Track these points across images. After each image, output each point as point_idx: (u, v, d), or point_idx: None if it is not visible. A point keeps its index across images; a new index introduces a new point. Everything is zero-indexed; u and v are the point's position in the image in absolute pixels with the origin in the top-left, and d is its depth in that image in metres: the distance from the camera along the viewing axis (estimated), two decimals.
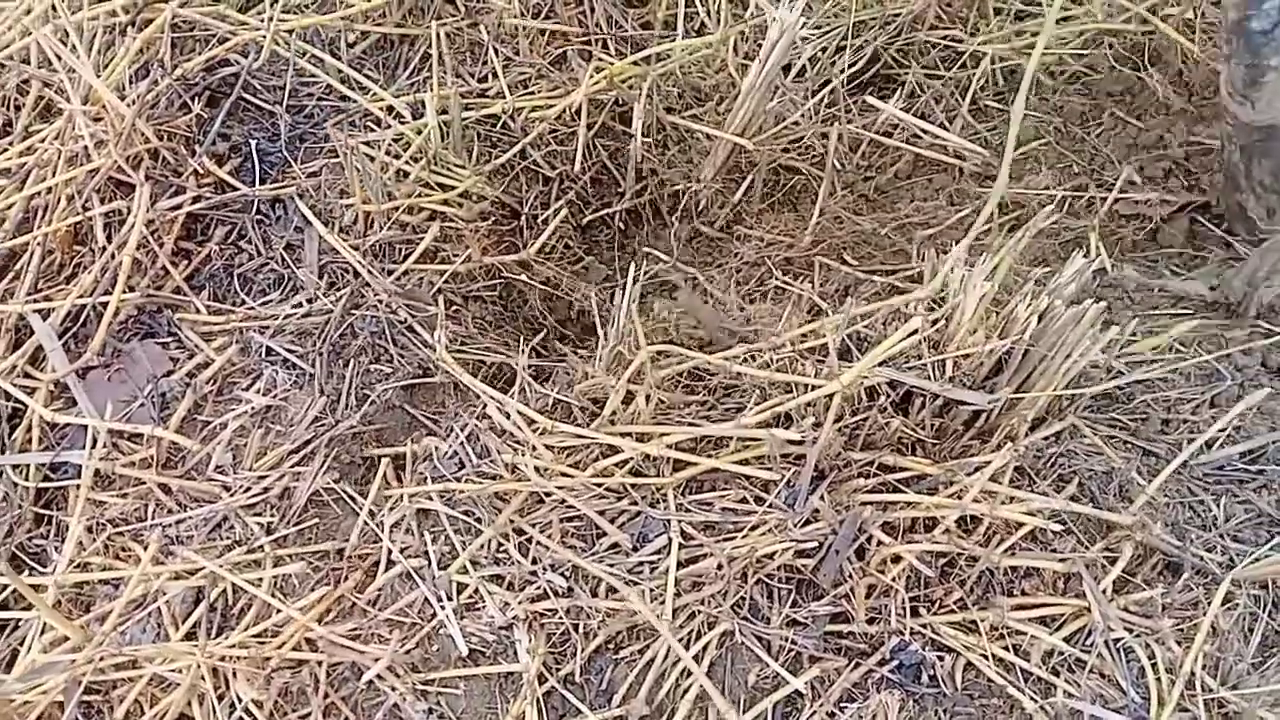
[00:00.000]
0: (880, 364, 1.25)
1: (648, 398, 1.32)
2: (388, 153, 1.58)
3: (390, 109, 1.65)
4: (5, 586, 1.36)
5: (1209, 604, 1.29)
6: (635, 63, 1.70)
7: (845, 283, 1.61)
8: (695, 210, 1.81)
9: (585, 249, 1.82)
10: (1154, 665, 1.23)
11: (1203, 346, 1.64)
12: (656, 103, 1.72)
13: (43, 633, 1.30)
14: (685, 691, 1.18)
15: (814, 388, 1.27)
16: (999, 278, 1.30)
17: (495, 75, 1.70)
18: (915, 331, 1.22)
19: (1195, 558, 1.35)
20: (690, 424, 1.32)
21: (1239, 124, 1.55)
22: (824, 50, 1.88)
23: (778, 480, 1.28)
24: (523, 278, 1.63)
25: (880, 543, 1.26)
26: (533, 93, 1.70)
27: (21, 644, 1.33)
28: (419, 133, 1.59)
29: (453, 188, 1.60)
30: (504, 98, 1.66)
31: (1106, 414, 1.55)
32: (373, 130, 1.63)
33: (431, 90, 1.62)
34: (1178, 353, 1.63)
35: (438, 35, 1.66)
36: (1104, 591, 1.26)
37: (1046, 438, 1.37)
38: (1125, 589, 1.30)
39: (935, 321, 1.29)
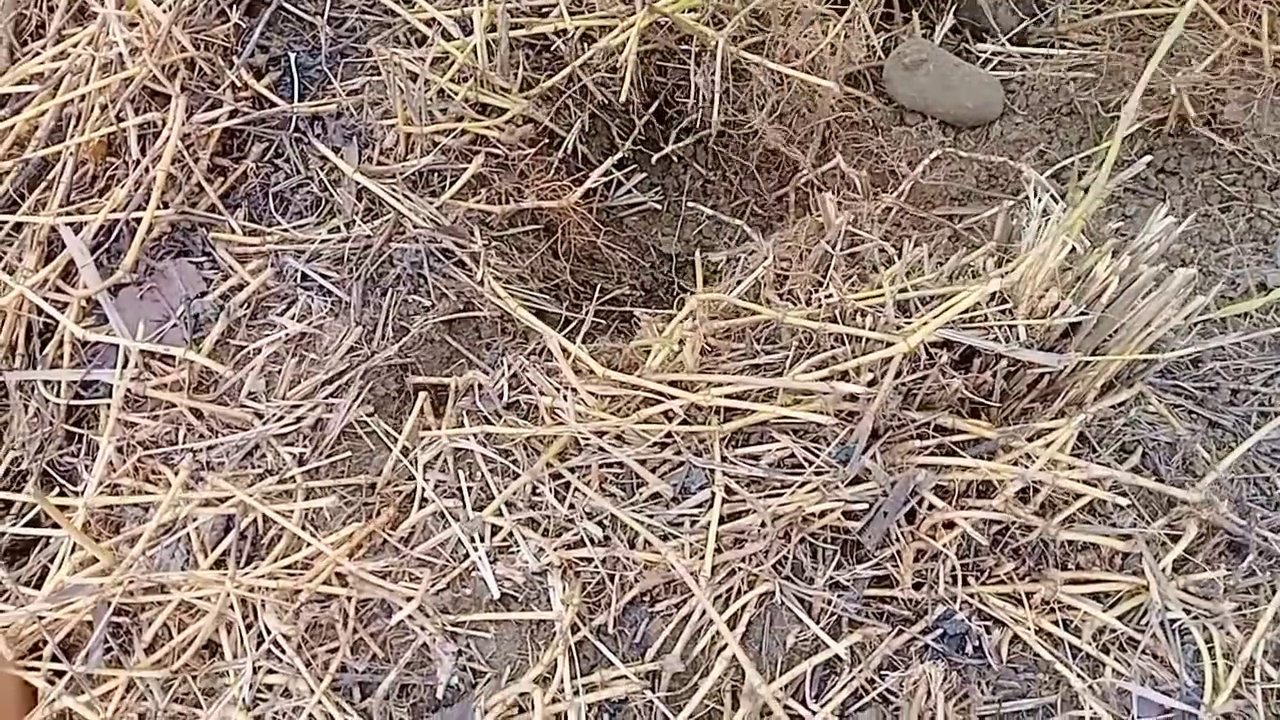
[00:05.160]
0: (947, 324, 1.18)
1: (694, 346, 1.26)
2: (432, 70, 1.50)
3: (435, 23, 1.56)
4: (36, 503, 1.35)
5: (1273, 589, 1.24)
6: None
7: (908, 229, 1.53)
8: (745, 144, 1.73)
9: (637, 184, 1.75)
10: (1211, 649, 1.18)
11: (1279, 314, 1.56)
12: (704, 19, 1.61)
13: (73, 551, 1.29)
14: (722, 649, 1.15)
15: (873, 342, 1.20)
16: (1075, 232, 1.21)
17: None
18: (993, 296, 1.14)
19: (1259, 538, 1.29)
20: (739, 373, 1.26)
21: None
22: None
23: (829, 436, 1.22)
24: (567, 218, 1.56)
25: (932, 507, 1.21)
26: (585, 13, 1.60)
27: (52, 561, 1.32)
28: (463, 50, 1.51)
29: (499, 111, 1.53)
30: (561, 18, 1.57)
31: (1172, 380, 1.48)
32: (417, 47, 1.55)
33: (480, 5, 1.53)
34: (1254, 320, 1.55)
35: None
36: (1164, 570, 1.21)
37: (1113, 406, 1.30)
38: (1185, 568, 1.25)
39: (1005, 275, 1.22)
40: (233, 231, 1.44)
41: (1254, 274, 1.58)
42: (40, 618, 1.24)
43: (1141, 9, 1.75)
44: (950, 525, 1.20)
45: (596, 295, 1.58)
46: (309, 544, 1.23)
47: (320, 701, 1.16)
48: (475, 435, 1.28)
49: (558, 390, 1.30)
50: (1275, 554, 1.27)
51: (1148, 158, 1.32)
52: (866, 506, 1.19)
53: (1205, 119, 1.65)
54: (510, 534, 1.22)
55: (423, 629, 1.19)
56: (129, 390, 1.34)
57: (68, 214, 1.44)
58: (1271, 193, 1.64)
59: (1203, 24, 1.70)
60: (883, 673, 1.16)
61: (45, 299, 1.40)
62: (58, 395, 1.38)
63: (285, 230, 1.44)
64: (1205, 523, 1.26)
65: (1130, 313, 1.20)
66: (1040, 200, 1.29)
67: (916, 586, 1.20)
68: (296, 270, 1.41)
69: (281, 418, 1.31)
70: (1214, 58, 1.63)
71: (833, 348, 1.25)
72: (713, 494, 1.21)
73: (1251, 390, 1.49)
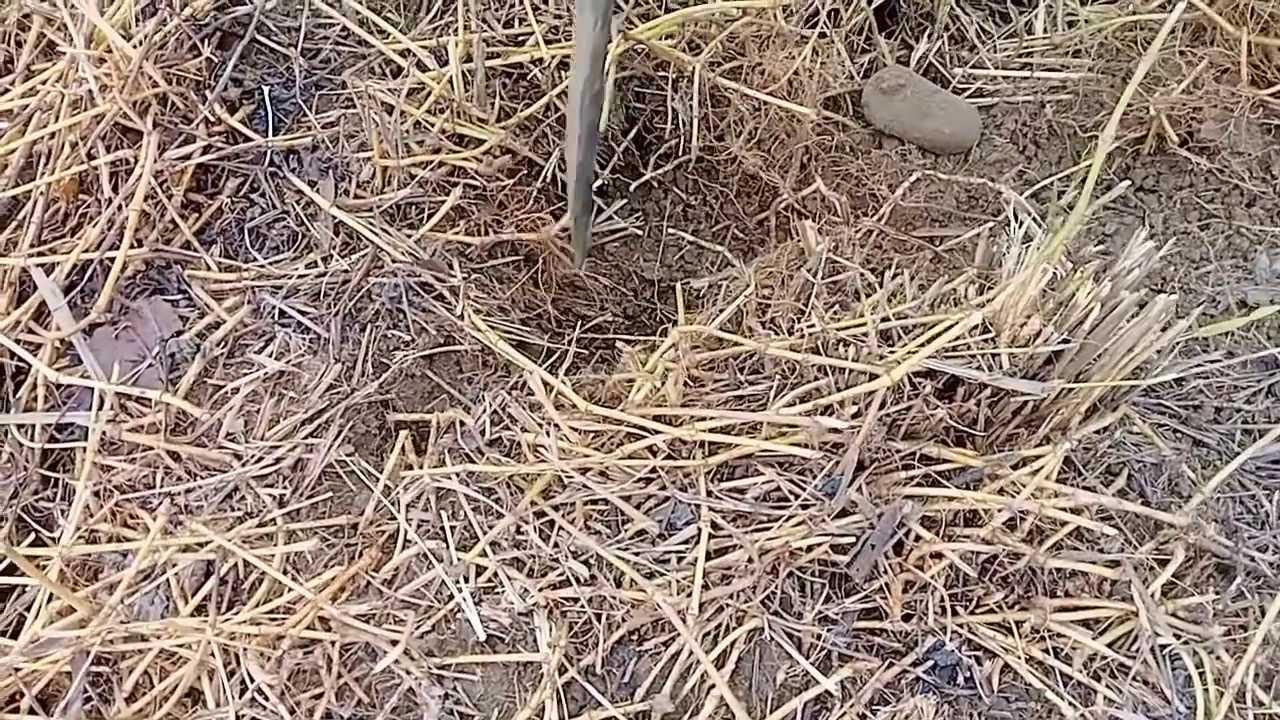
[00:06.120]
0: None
1: (676, 379, 1.25)
2: (408, 102, 1.49)
3: (410, 54, 1.55)
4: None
5: (1262, 611, 1.24)
6: (669, 9, 1.60)
7: (889, 252, 1.53)
8: (726, 169, 1.72)
9: (617, 210, 1.74)
10: (1202, 675, 1.18)
11: (1262, 332, 1.56)
12: (681, 45, 1.61)
13: (50, 600, 1.27)
14: (711, 688, 1.13)
15: (857, 373, 1.19)
16: (1056, 257, 1.21)
17: (523, 21, 1.59)
18: (975, 327, 1.14)
19: (1247, 559, 1.29)
20: (723, 406, 1.25)
21: None
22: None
23: (814, 468, 1.21)
24: (547, 247, 1.55)
25: (919, 538, 1.20)
26: (561, 40, 1.60)
27: (29, 609, 1.29)
28: (439, 81, 1.49)
29: (476, 142, 1.51)
30: (537, 46, 1.56)
31: (1156, 399, 1.48)
32: (392, 78, 1.54)
33: (456, 35, 1.52)
34: (1235, 338, 1.55)
35: None
36: (1152, 595, 1.20)
37: (1098, 430, 1.29)
38: (1174, 592, 1.25)
39: (986, 305, 1.21)
40: (208, 268, 1.42)
41: (1234, 291, 1.58)
42: (17, 669, 1.22)
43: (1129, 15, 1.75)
44: (938, 556, 1.19)
45: (578, 324, 1.57)
46: (290, 588, 1.21)
47: None
48: (458, 474, 1.27)
49: (540, 426, 1.29)
50: (1263, 574, 1.28)
51: (1127, 182, 1.32)
52: (854, 539, 1.18)
53: (1182, 138, 1.66)
54: (495, 574, 1.21)
55: (408, 673, 1.17)
56: (105, 433, 1.32)
57: (39, 254, 1.42)
58: (1249, 210, 1.65)
59: (1180, 41, 1.71)
60: (874, 707, 1.15)
61: (17, 341, 1.38)
62: (32, 439, 1.35)
63: (262, 266, 1.43)
64: (1193, 546, 1.26)
65: (1113, 338, 1.20)
66: (1021, 225, 1.29)
67: (906, 618, 1.19)
68: (274, 307, 1.39)
69: (261, 459, 1.29)
70: (1192, 78, 1.64)
71: (816, 378, 1.24)
72: (699, 529, 1.19)
73: (1235, 408, 1.49)
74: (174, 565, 1.25)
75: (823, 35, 1.69)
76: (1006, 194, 1.45)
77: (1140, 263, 1.22)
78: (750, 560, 1.17)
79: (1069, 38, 1.80)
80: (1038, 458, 1.23)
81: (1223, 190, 1.66)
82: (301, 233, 1.45)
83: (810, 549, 1.18)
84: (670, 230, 1.75)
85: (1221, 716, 1.15)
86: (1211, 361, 1.50)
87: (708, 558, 1.18)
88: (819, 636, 1.16)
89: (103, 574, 1.28)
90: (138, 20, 1.48)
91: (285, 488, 1.28)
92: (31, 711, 1.22)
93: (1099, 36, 1.77)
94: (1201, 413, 1.49)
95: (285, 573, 1.22)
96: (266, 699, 1.18)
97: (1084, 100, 1.71)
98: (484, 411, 1.32)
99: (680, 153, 1.68)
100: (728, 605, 1.17)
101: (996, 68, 1.79)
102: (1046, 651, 1.19)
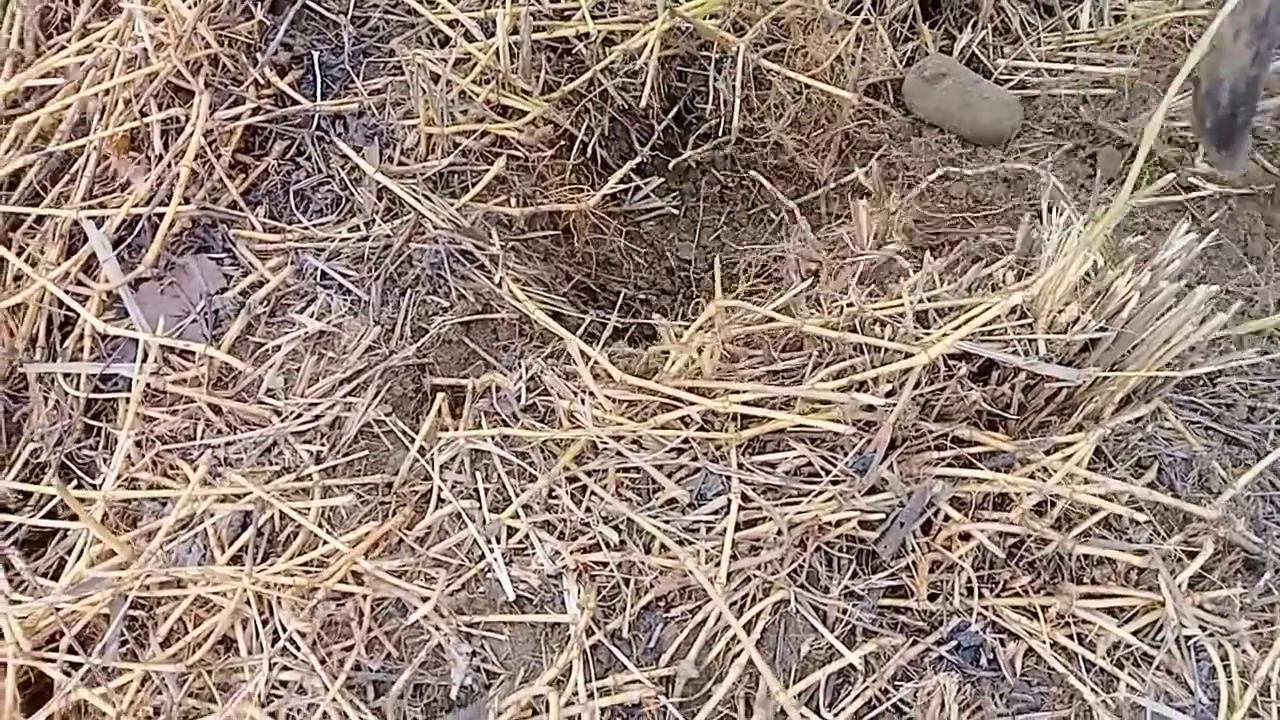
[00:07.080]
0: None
1: (712, 352, 1.26)
2: (454, 71, 1.51)
3: (458, 24, 1.57)
4: (54, 494, 1.36)
5: None
6: None
7: (929, 237, 1.53)
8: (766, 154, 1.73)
9: (655, 189, 1.75)
10: (1226, 667, 1.18)
11: None
12: (725, 25, 1.61)
13: (91, 545, 1.30)
14: (736, 656, 1.15)
15: (892, 352, 1.20)
16: (1097, 244, 1.21)
17: None
18: (1013, 309, 1.14)
19: (1276, 556, 1.29)
20: (758, 381, 1.26)
21: None
22: None
23: (846, 445, 1.22)
24: (585, 222, 1.56)
25: (948, 518, 1.21)
26: (607, 17, 1.61)
27: (69, 553, 1.32)
28: (485, 52, 1.51)
29: (519, 113, 1.53)
30: (583, 21, 1.57)
31: (1189, 396, 1.48)
32: (440, 47, 1.56)
33: (503, 7, 1.53)
34: (1272, 338, 1.55)
35: None
36: (1180, 586, 1.21)
37: (1130, 421, 1.30)
38: (1201, 585, 1.24)
39: (1025, 289, 1.22)
40: (253, 228, 1.45)
41: (1273, 291, 1.57)
42: (57, 609, 1.25)
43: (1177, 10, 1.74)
44: (966, 537, 1.20)
45: (614, 299, 1.58)
46: (325, 542, 1.23)
47: (335, 699, 1.16)
48: (493, 437, 1.29)
49: (575, 394, 1.30)
50: None
51: (1170, 175, 1.32)
52: (883, 517, 1.19)
53: None
54: (526, 536, 1.22)
55: (437, 629, 1.19)
56: (148, 385, 1.35)
57: (90, 208, 1.44)
58: None
59: None
60: (897, 683, 1.16)
61: (67, 292, 1.40)
62: (77, 388, 1.39)
63: (306, 228, 1.45)
64: (1222, 540, 1.26)
65: (1150, 329, 1.20)
66: (1061, 212, 1.29)
67: (932, 598, 1.20)
68: (316, 268, 1.41)
69: (300, 415, 1.32)
70: None
71: (852, 356, 1.25)
72: (729, 501, 1.21)
73: (1269, 408, 1.49)
74: (212, 515, 1.28)
75: (866, 22, 1.70)
76: (1045, 176, 1.45)
77: (1180, 254, 1.22)
78: (779, 533, 1.18)
79: (1115, 33, 1.79)
80: (1069, 445, 1.23)
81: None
82: (345, 197, 1.47)
83: (839, 524, 1.19)
84: (706, 211, 1.76)
85: (1245, 709, 1.15)
86: (1247, 362, 1.50)
87: (737, 529, 1.19)
88: (844, 611, 1.17)
89: (142, 521, 1.31)
90: None
91: (323, 445, 1.31)
92: (71, 650, 1.25)
93: (1145, 32, 1.77)
94: (1234, 411, 1.48)
95: (321, 526, 1.24)
96: (298, 649, 1.20)
97: (1128, 96, 1.71)
98: (520, 378, 1.33)
99: (720, 133, 1.69)
100: (755, 576, 1.18)
101: (1040, 60, 1.78)
102: (1071, 637, 1.19)
